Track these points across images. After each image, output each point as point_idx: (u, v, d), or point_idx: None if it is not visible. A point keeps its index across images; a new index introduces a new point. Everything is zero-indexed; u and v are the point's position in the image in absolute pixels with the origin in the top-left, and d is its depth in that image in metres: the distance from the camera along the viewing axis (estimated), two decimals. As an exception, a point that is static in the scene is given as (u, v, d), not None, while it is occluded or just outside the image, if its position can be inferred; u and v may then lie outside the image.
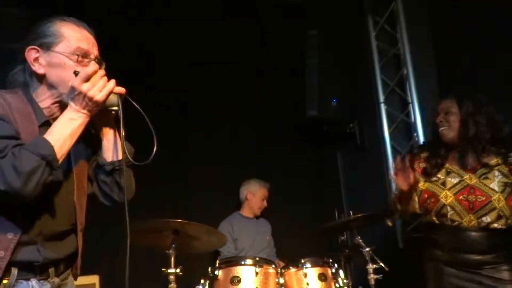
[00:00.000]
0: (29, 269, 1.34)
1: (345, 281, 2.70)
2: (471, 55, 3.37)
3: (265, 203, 3.78)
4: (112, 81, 1.37)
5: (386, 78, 4.08)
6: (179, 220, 2.45)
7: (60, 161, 1.28)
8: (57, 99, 1.40)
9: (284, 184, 4.16)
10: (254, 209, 3.76)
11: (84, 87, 1.31)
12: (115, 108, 1.39)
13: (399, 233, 3.85)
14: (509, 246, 2.09)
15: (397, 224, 3.86)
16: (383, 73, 4.10)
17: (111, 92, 1.36)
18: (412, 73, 3.85)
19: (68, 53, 1.37)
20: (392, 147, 3.99)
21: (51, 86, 1.39)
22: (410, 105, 3.86)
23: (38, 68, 1.37)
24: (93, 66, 1.35)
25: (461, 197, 2.12)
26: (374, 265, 2.74)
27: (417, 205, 2.28)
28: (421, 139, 3.74)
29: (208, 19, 3.99)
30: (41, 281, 1.37)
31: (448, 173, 2.19)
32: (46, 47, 1.37)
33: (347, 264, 3.29)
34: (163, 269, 2.47)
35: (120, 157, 1.46)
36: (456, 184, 2.16)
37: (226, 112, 4.07)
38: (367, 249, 2.76)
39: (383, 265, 2.72)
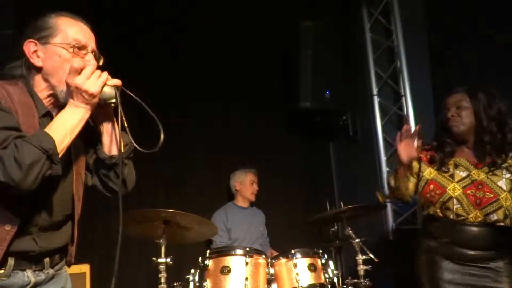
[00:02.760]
0: (25, 259, 1.35)
1: (334, 271, 2.72)
2: (465, 49, 3.37)
3: (255, 186, 3.78)
4: (105, 73, 1.38)
5: (379, 70, 4.08)
6: (170, 210, 2.45)
7: (60, 156, 1.29)
8: (51, 92, 1.41)
9: (276, 175, 4.17)
10: (247, 196, 3.77)
11: (77, 80, 1.32)
12: (113, 100, 1.40)
13: (389, 224, 3.89)
14: (509, 243, 2.07)
15: (387, 216, 3.90)
16: (377, 65, 4.10)
17: (105, 84, 1.37)
18: (406, 66, 3.85)
19: (65, 44, 1.38)
20: (385, 139, 4.01)
21: (46, 78, 1.40)
22: (403, 97, 3.87)
23: (37, 61, 1.39)
24: (79, 61, 1.37)
25: (469, 191, 2.08)
26: (364, 256, 2.76)
27: (410, 189, 2.23)
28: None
29: (202, 9, 3.97)
30: (37, 272, 1.39)
31: (456, 166, 2.15)
32: (44, 40, 1.39)
33: (338, 255, 3.32)
34: (153, 258, 2.47)
35: (121, 151, 1.47)
36: (465, 178, 2.12)
37: (218, 102, 4.05)
38: (357, 240, 2.78)
39: (372, 256, 2.74)
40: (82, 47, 1.40)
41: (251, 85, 4.18)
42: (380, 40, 4.10)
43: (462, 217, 2.07)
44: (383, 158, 3.97)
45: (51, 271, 1.43)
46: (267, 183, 4.00)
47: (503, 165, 2.09)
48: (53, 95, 1.41)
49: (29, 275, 1.36)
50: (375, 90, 4.07)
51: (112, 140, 1.48)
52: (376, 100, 4.05)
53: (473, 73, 3.26)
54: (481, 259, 2.06)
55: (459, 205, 2.08)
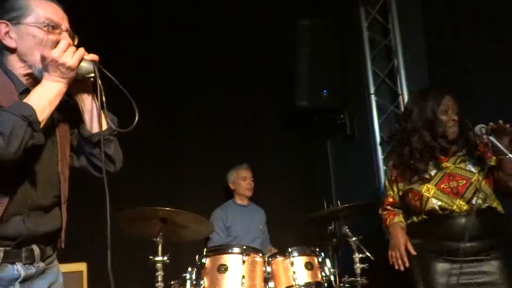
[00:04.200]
0: (14, 247, 1.33)
1: (331, 270, 2.73)
2: (462, 48, 3.38)
3: (248, 182, 3.79)
4: (81, 48, 1.37)
5: (377, 69, 4.09)
6: (167, 208, 2.45)
7: (41, 125, 1.27)
8: (28, 71, 1.40)
9: (274, 173, 4.18)
10: (242, 193, 3.78)
11: (54, 53, 1.31)
12: (92, 75, 1.38)
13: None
14: (498, 233, 2.08)
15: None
16: (374, 64, 4.10)
17: (82, 58, 1.36)
18: (403, 65, 3.86)
19: (39, 23, 1.37)
20: (382, 138, 4.01)
21: (22, 58, 1.39)
22: (400, 96, 3.88)
23: (10, 42, 1.38)
24: (67, 38, 1.36)
25: (442, 185, 2.13)
26: (360, 255, 2.77)
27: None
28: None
29: (199, 7, 3.96)
30: (26, 265, 1.37)
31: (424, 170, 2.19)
32: (15, 20, 1.37)
33: (334, 253, 3.33)
34: (150, 257, 2.47)
35: (104, 127, 1.45)
36: (434, 175, 2.16)
37: (216, 101, 4.05)
38: (354, 238, 2.79)
39: (369, 254, 2.75)
40: (55, 26, 1.39)
41: (248, 84, 4.18)
42: (378, 38, 4.10)
43: (448, 210, 2.09)
44: (380, 156, 3.98)
45: (41, 264, 1.42)
46: (265, 182, 4.01)
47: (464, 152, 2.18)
48: (31, 75, 1.40)
49: (19, 268, 1.34)
50: (372, 89, 4.07)
51: (93, 117, 1.46)
52: (373, 98, 4.05)
53: (470, 72, 3.26)
54: (473, 252, 2.05)
55: (440, 202, 2.11)
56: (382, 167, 3.95)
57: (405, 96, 3.83)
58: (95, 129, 1.46)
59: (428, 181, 2.16)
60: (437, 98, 2.22)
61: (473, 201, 2.05)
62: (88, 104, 1.46)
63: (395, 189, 2.34)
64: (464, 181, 2.11)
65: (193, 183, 3.86)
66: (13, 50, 1.39)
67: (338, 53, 4.14)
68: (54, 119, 1.42)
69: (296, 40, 4.05)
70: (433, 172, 2.17)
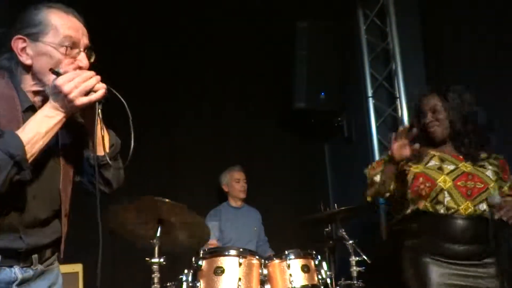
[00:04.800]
0: (12, 256, 1.32)
1: (328, 272, 2.73)
2: (460, 52, 3.39)
3: (242, 184, 3.77)
4: (93, 79, 1.31)
5: (374, 72, 4.10)
6: (166, 200, 2.42)
7: (30, 161, 1.25)
8: (40, 88, 1.38)
9: (270, 175, 4.18)
10: (236, 195, 3.76)
11: (66, 87, 1.26)
12: (96, 102, 1.35)
13: (382, 226, 3.90)
14: (496, 237, 2.07)
15: (380, 217, 3.91)
16: (372, 67, 4.11)
17: (93, 102, 1.31)
18: (401, 68, 3.87)
19: (56, 44, 1.33)
20: (379, 141, 4.02)
21: (36, 76, 1.36)
22: (398, 100, 3.88)
23: (26, 59, 1.34)
24: (76, 72, 1.31)
25: (459, 183, 2.08)
26: (357, 258, 2.77)
27: (391, 187, 2.18)
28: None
29: (197, 9, 3.96)
30: (24, 268, 1.36)
31: (442, 160, 2.15)
32: (34, 37, 1.33)
33: (331, 256, 3.33)
34: (146, 258, 2.47)
35: (102, 153, 1.44)
36: (453, 170, 2.11)
37: (213, 102, 4.05)
38: (350, 241, 2.79)
39: (365, 257, 2.75)
40: (74, 45, 1.35)
41: (246, 86, 4.18)
42: (376, 42, 4.11)
43: (453, 210, 2.06)
44: (377, 159, 3.98)
45: (40, 267, 1.41)
46: (261, 184, 4.01)
47: (485, 160, 2.13)
48: (41, 92, 1.38)
49: (16, 272, 1.33)
50: (370, 92, 4.08)
51: (95, 140, 1.42)
52: (371, 102, 4.06)
53: (468, 75, 3.27)
54: (468, 255, 2.04)
55: (449, 198, 2.07)
56: (379, 170, 3.96)
57: (402, 100, 3.84)
58: (97, 152, 1.43)
59: (446, 173, 2.11)
60: (419, 97, 2.24)
61: (480, 206, 2.04)
62: (92, 126, 1.42)
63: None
64: (482, 185, 2.07)
65: (189, 184, 3.85)
66: (28, 67, 1.35)
67: (336, 56, 4.15)
68: (59, 136, 1.39)
69: (294, 42, 4.05)
70: (451, 167, 2.13)
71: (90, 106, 1.36)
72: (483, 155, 2.16)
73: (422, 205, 2.14)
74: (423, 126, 2.19)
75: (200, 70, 3.98)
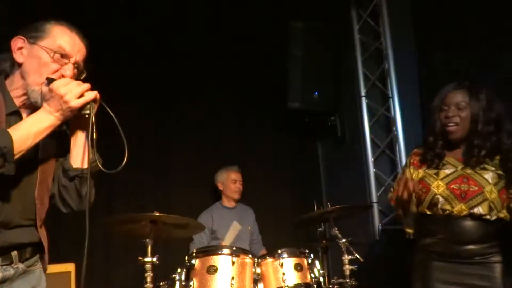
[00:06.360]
0: None
1: (321, 271, 2.74)
2: (452, 52, 3.41)
3: (238, 185, 3.76)
4: (88, 89, 1.37)
5: (367, 72, 4.11)
6: (157, 214, 2.42)
7: (16, 157, 1.27)
8: (25, 91, 1.41)
9: (264, 175, 4.18)
10: (230, 195, 3.76)
11: (62, 90, 1.32)
12: (88, 112, 1.39)
13: (375, 225, 3.92)
14: (500, 237, 2.05)
15: (374, 216, 3.93)
16: (365, 67, 4.13)
17: (88, 102, 1.36)
18: (394, 68, 3.89)
19: (49, 49, 1.39)
20: (372, 140, 4.04)
21: (23, 76, 1.40)
22: (391, 99, 3.90)
23: (19, 57, 1.40)
24: (56, 66, 1.38)
25: (453, 186, 2.07)
26: (350, 256, 2.77)
27: (414, 207, 2.19)
28: (400, 133, 3.79)
29: (192, 8, 3.96)
30: (4, 267, 1.36)
31: (443, 164, 2.14)
32: (33, 39, 1.40)
33: (324, 255, 3.34)
34: (139, 257, 2.46)
35: (84, 165, 1.46)
36: (450, 174, 2.10)
37: (207, 102, 4.05)
38: (343, 240, 2.79)
39: (358, 256, 2.75)
40: (64, 56, 1.41)
41: (240, 85, 4.18)
42: (369, 41, 4.12)
43: (448, 211, 2.06)
44: (371, 159, 4.00)
45: (21, 265, 1.40)
46: (255, 183, 4.01)
47: (490, 162, 2.08)
48: (26, 99, 1.41)
49: None
50: (363, 92, 4.10)
51: (80, 153, 1.47)
52: (364, 101, 4.08)
53: (461, 76, 3.29)
54: (473, 254, 2.03)
55: (444, 200, 2.07)
56: (372, 169, 3.98)
57: (395, 99, 3.86)
58: (78, 164, 1.47)
59: (441, 178, 2.11)
60: (442, 93, 2.16)
61: (475, 210, 2.02)
62: (80, 139, 1.48)
63: (411, 170, 2.25)
64: (476, 188, 2.04)
65: (183, 183, 3.84)
66: (19, 65, 1.41)
67: (330, 55, 4.16)
68: (40, 144, 1.41)
69: (288, 42, 4.05)
70: (449, 171, 2.11)
71: (80, 116, 1.40)
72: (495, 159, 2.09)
73: (420, 208, 2.17)
74: (442, 123, 2.13)
75: (193, 70, 3.98)
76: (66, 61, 1.41)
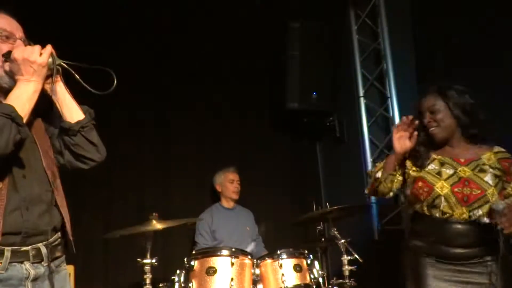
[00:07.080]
0: (21, 244, 1.34)
1: (320, 272, 2.74)
2: (451, 52, 3.42)
3: (235, 185, 3.75)
4: (48, 45, 1.43)
5: (366, 72, 4.12)
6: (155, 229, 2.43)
7: (24, 120, 1.33)
8: None
9: (263, 175, 4.17)
10: (228, 195, 3.75)
11: (25, 53, 1.38)
12: (57, 62, 1.44)
13: (374, 225, 3.93)
14: (494, 240, 2.03)
15: (373, 216, 3.94)
16: (363, 67, 4.14)
17: (51, 55, 1.42)
18: (392, 68, 3.90)
19: None
20: (371, 140, 4.05)
21: None
22: (389, 99, 3.91)
23: None
24: (22, 45, 1.44)
25: (456, 189, 2.06)
26: (349, 257, 2.78)
27: (394, 186, 2.19)
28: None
29: (190, 10, 3.96)
30: (35, 264, 1.37)
31: (442, 164, 2.13)
32: None
33: (323, 255, 3.35)
34: (138, 259, 2.46)
35: (81, 116, 1.51)
36: (452, 175, 2.09)
37: (206, 102, 4.05)
38: (342, 240, 2.80)
39: (357, 256, 2.76)
40: (9, 35, 1.46)
41: (238, 86, 4.18)
42: (367, 42, 4.13)
43: (448, 215, 2.05)
44: (369, 159, 4.01)
45: (51, 264, 1.42)
46: (254, 184, 4.00)
47: (486, 161, 2.09)
48: None
49: (28, 267, 1.35)
50: (361, 92, 4.10)
51: (70, 107, 1.51)
52: (362, 101, 4.09)
53: (459, 76, 3.30)
54: (465, 257, 2.03)
55: (446, 203, 2.06)
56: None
57: (394, 99, 3.87)
58: (75, 118, 1.50)
59: (444, 178, 2.10)
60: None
61: (475, 212, 2.02)
62: (61, 96, 1.51)
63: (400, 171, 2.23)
64: (479, 191, 2.04)
65: (182, 184, 3.84)
66: None
67: (328, 56, 4.16)
68: (29, 121, 1.44)
69: (287, 42, 4.06)
70: (450, 171, 2.11)
71: (53, 72, 1.45)
72: (487, 154, 2.12)
73: (418, 207, 2.15)
74: (424, 128, 2.16)
75: (192, 70, 3.97)
76: (12, 40, 1.46)
